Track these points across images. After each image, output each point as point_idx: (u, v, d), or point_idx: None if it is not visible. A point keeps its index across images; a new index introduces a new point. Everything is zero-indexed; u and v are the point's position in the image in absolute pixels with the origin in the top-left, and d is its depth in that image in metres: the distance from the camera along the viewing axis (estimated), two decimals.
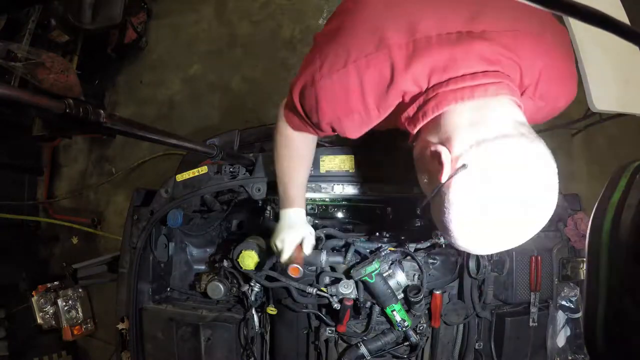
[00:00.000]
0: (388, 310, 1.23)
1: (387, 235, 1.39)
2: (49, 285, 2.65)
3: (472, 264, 1.31)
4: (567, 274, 1.34)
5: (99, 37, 3.03)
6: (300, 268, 1.08)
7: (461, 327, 1.41)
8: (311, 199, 1.52)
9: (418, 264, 1.27)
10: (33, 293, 2.62)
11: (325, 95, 0.81)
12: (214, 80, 3.25)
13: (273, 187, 1.32)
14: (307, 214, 1.59)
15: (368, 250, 1.31)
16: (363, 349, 1.28)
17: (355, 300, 1.25)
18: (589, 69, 2.11)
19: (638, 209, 0.43)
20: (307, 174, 1.09)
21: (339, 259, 1.28)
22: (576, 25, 2.14)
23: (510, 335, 1.35)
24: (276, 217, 1.44)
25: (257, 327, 1.39)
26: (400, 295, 1.26)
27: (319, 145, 1.47)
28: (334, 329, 1.30)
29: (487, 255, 1.30)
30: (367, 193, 1.34)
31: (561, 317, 1.38)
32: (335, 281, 1.28)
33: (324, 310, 1.33)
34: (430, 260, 1.33)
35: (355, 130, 0.86)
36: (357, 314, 1.31)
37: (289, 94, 0.90)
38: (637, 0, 2.26)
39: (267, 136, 1.71)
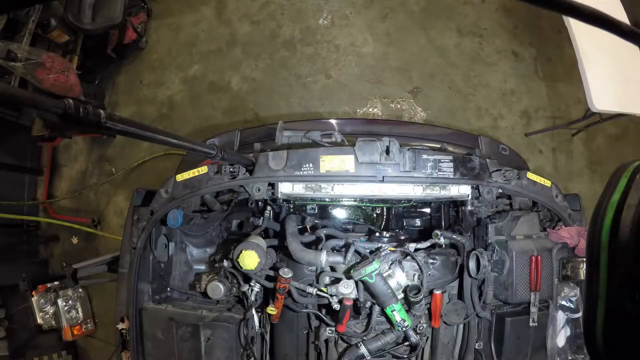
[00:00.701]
0: (388, 310, 1.23)
1: (387, 235, 1.39)
2: (49, 285, 2.65)
3: (472, 264, 1.31)
4: (567, 274, 1.34)
5: (99, 37, 3.03)
6: None
7: (461, 327, 1.41)
8: (311, 199, 1.52)
9: (418, 264, 1.27)
10: (33, 293, 2.62)
11: None
12: (214, 80, 3.25)
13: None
14: (308, 214, 1.60)
15: (368, 250, 1.32)
16: (363, 349, 1.28)
17: (355, 300, 1.25)
18: (589, 69, 2.12)
19: (638, 209, 0.43)
20: None
21: (339, 259, 1.28)
22: (576, 25, 2.14)
23: (510, 335, 1.35)
24: (276, 218, 1.45)
25: (257, 327, 1.39)
26: (400, 295, 1.26)
27: (319, 145, 1.48)
28: (334, 329, 1.30)
29: (487, 255, 1.30)
30: (367, 193, 1.34)
31: (561, 317, 1.38)
32: (335, 281, 1.28)
33: (324, 310, 1.33)
34: (430, 260, 1.33)
35: None
36: (357, 314, 1.31)
37: None
38: (637, 0, 2.26)
39: (267, 136, 1.71)
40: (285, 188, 1.32)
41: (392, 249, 1.30)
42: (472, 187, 1.37)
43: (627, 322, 0.44)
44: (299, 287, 1.29)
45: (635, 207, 0.43)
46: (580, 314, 1.35)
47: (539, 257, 1.31)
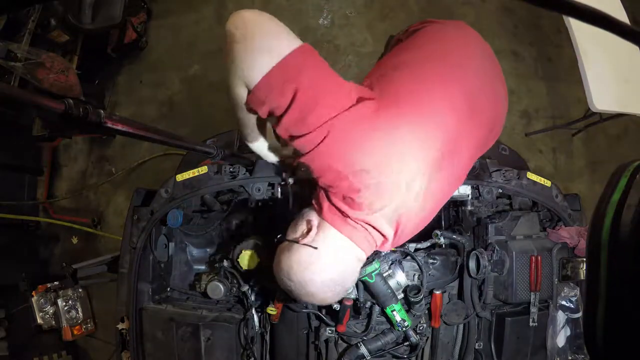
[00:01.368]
0: (388, 310, 1.23)
1: None
2: (49, 285, 2.65)
3: (472, 264, 1.31)
4: (567, 274, 1.34)
5: (99, 37, 3.03)
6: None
7: (461, 327, 1.41)
8: None
9: (418, 264, 1.27)
10: (33, 293, 2.62)
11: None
12: (214, 80, 3.25)
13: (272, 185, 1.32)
14: None
15: None
16: (363, 349, 1.28)
17: (355, 300, 1.25)
18: (589, 69, 2.12)
19: (638, 209, 0.43)
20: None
21: None
22: (576, 25, 2.14)
23: (510, 335, 1.35)
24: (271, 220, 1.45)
25: (257, 327, 1.39)
26: (400, 295, 1.26)
27: None
28: (334, 329, 1.30)
29: (487, 255, 1.30)
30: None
31: (561, 317, 1.38)
32: None
33: (323, 310, 1.33)
34: (430, 260, 1.33)
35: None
36: (357, 314, 1.31)
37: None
38: (637, 0, 2.26)
39: None
40: None
41: (393, 249, 1.30)
42: (472, 187, 1.37)
43: (627, 322, 0.44)
44: None
45: (635, 207, 0.43)
46: (580, 314, 1.35)
47: (539, 257, 1.31)
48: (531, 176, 1.39)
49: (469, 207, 1.42)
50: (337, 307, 1.25)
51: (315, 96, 0.78)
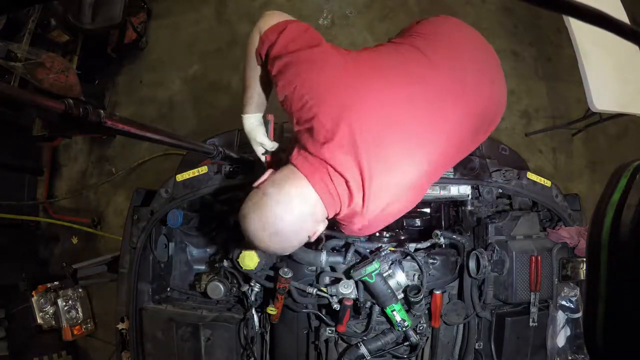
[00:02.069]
0: (388, 310, 1.23)
1: (387, 235, 1.39)
2: (49, 285, 2.65)
3: (472, 264, 1.31)
4: (567, 274, 1.34)
5: (99, 37, 3.03)
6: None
7: (461, 327, 1.41)
8: None
9: (418, 264, 1.27)
10: (33, 293, 2.62)
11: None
12: (214, 80, 3.25)
13: None
14: None
15: (368, 250, 1.32)
16: (363, 349, 1.28)
17: (355, 300, 1.25)
18: (589, 69, 2.12)
19: (638, 209, 0.43)
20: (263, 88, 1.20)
21: (339, 259, 1.28)
22: (576, 25, 2.14)
23: (510, 335, 1.35)
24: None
25: (257, 327, 1.39)
26: (400, 295, 1.26)
27: None
28: (334, 329, 1.30)
29: (487, 255, 1.30)
30: None
31: (561, 317, 1.38)
32: (335, 281, 1.28)
33: (324, 310, 1.33)
34: (430, 260, 1.33)
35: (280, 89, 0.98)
36: (357, 314, 1.31)
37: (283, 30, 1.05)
38: (637, 0, 2.26)
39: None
40: None
41: (392, 249, 1.30)
42: (472, 187, 1.37)
43: (627, 322, 0.44)
44: (299, 287, 1.29)
45: (635, 207, 0.43)
46: (580, 314, 1.35)
47: (539, 257, 1.31)
48: (531, 176, 1.39)
49: (469, 207, 1.42)
50: (337, 307, 1.25)
51: (298, 36, 1.02)
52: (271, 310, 1.31)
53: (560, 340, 1.38)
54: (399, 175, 0.93)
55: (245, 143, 1.78)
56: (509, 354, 1.37)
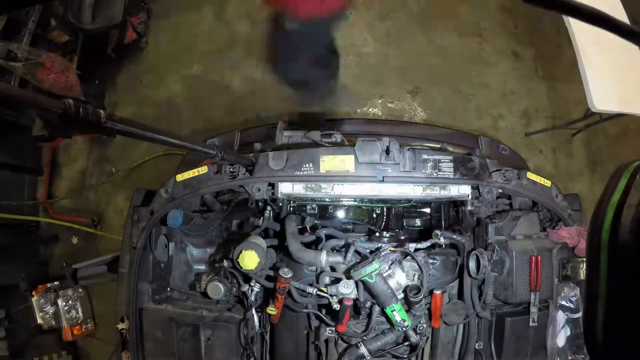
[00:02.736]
0: (388, 310, 1.23)
1: (387, 235, 1.39)
2: (49, 285, 2.65)
3: (472, 264, 1.31)
4: (567, 274, 1.34)
5: (99, 37, 3.03)
6: None
7: (461, 327, 1.41)
8: (311, 199, 1.52)
9: (418, 264, 1.27)
10: (33, 293, 2.62)
11: None
12: (214, 80, 3.25)
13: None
14: (308, 214, 1.60)
15: (368, 250, 1.32)
16: (363, 349, 1.28)
17: (355, 300, 1.25)
18: (589, 69, 2.12)
19: (638, 209, 0.43)
20: None
21: (339, 259, 1.28)
22: (576, 25, 2.14)
23: (510, 335, 1.35)
24: (276, 218, 1.44)
25: (257, 327, 1.39)
26: (400, 295, 1.26)
27: (319, 145, 1.48)
28: (334, 329, 1.30)
29: (487, 255, 1.30)
30: (367, 193, 1.34)
31: (561, 317, 1.38)
32: (335, 281, 1.28)
33: (324, 310, 1.33)
34: (430, 260, 1.33)
35: None
36: (357, 314, 1.31)
37: None
38: (637, 0, 2.26)
39: (267, 136, 1.71)
40: (285, 188, 1.32)
41: (392, 249, 1.30)
42: (472, 187, 1.37)
43: (627, 322, 0.44)
44: (299, 287, 1.29)
45: (635, 207, 0.43)
46: (580, 314, 1.35)
47: (539, 257, 1.31)
48: (531, 176, 1.39)
49: (469, 207, 1.42)
50: (337, 307, 1.25)
51: None
52: (271, 310, 1.31)
53: (560, 340, 1.38)
54: None
55: (245, 143, 1.79)
56: (509, 354, 1.37)
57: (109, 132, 0.71)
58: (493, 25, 3.27)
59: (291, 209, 1.69)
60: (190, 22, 3.41)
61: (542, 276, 1.32)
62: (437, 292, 1.29)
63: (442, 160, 1.31)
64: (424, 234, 1.43)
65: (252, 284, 1.34)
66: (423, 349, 1.37)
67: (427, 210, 1.80)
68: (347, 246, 1.30)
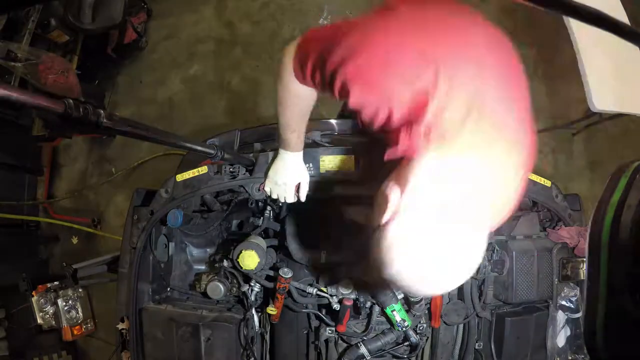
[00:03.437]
0: (388, 310, 1.23)
1: None
2: (49, 285, 2.65)
3: None
4: (567, 274, 1.34)
5: (99, 37, 3.03)
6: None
7: (461, 327, 1.41)
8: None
9: None
10: (33, 293, 2.61)
11: (369, 54, 0.71)
12: (214, 80, 3.25)
13: None
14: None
15: None
16: (363, 349, 1.28)
17: (355, 300, 1.25)
18: (589, 69, 2.11)
19: (638, 209, 0.43)
20: (306, 121, 1.09)
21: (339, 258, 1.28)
22: (576, 25, 2.14)
23: (510, 335, 1.35)
24: (276, 218, 1.44)
25: (257, 327, 1.39)
26: (400, 295, 1.26)
27: (319, 145, 1.47)
28: (334, 329, 1.30)
29: (487, 255, 1.30)
30: (367, 193, 1.33)
31: (561, 317, 1.38)
32: (336, 281, 1.28)
33: (324, 310, 1.33)
34: None
35: (355, 102, 0.75)
36: (357, 314, 1.31)
37: (311, 41, 0.82)
38: (637, 0, 2.26)
39: (267, 136, 1.71)
40: None
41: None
42: None
43: (627, 322, 0.44)
44: (299, 287, 1.29)
45: (635, 207, 0.43)
46: (580, 314, 1.35)
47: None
48: (531, 176, 1.39)
49: None
50: (337, 307, 1.25)
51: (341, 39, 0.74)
52: (271, 310, 1.31)
53: (560, 340, 1.38)
54: None
55: (245, 143, 1.78)
56: (509, 354, 1.37)
57: (109, 132, 0.71)
58: (493, 25, 3.27)
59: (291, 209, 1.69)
60: (190, 22, 3.41)
61: (541, 278, 1.32)
62: None
63: None
64: None
65: (252, 284, 1.34)
66: (423, 349, 1.37)
67: None
68: None
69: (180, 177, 1.39)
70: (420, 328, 1.33)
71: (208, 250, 1.62)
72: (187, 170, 1.39)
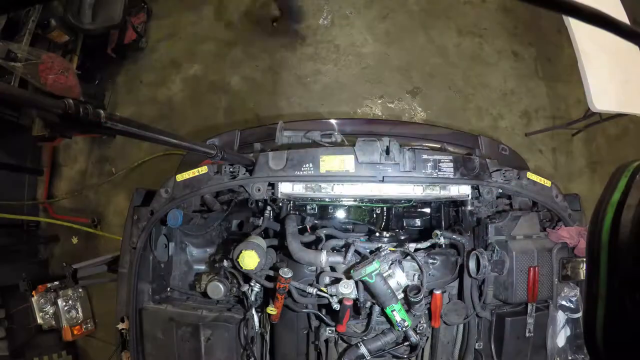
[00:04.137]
0: (388, 310, 1.23)
1: (387, 235, 1.39)
2: (49, 285, 2.65)
3: (472, 264, 1.31)
4: (567, 274, 1.34)
5: (99, 37, 3.03)
6: None
7: (461, 327, 1.41)
8: (311, 199, 1.52)
9: (418, 264, 1.27)
10: (33, 293, 2.62)
11: None
12: (214, 80, 3.25)
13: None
14: (308, 214, 1.60)
15: (368, 250, 1.32)
16: (363, 349, 1.28)
17: (355, 300, 1.25)
18: (589, 69, 2.12)
19: (638, 209, 0.43)
20: None
21: (339, 259, 1.28)
22: (576, 25, 2.14)
23: (510, 335, 1.35)
24: (276, 218, 1.44)
25: (257, 327, 1.39)
26: (400, 295, 1.26)
27: (319, 145, 1.48)
28: (334, 329, 1.30)
29: (487, 255, 1.30)
30: (367, 193, 1.34)
31: (561, 317, 1.38)
32: (335, 281, 1.28)
33: (324, 310, 1.33)
34: (430, 260, 1.33)
35: None
36: (357, 314, 1.31)
37: None
38: (637, 0, 2.26)
39: (267, 136, 1.71)
40: (285, 188, 1.32)
41: (392, 249, 1.30)
42: (472, 187, 1.37)
43: (627, 322, 0.44)
44: (299, 287, 1.29)
45: (635, 207, 0.43)
46: (580, 314, 1.35)
47: (537, 268, 1.30)
48: (531, 176, 1.39)
49: (469, 207, 1.42)
50: (337, 307, 1.25)
51: None
52: (271, 310, 1.31)
53: (560, 340, 1.38)
54: None
55: (245, 143, 1.78)
56: (509, 354, 1.37)
57: (109, 132, 0.71)
58: (493, 25, 3.27)
59: (291, 209, 1.69)
60: (190, 22, 3.41)
61: (541, 279, 1.32)
62: (437, 292, 1.29)
63: (442, 160, 1.31)
64: (424, 234, 1.43)
65: (252, 284, 1.34)
66: (423, 349, 1.37)
67: (427, 210, 1.80)
68: (347, 246, 1.30)
69: (180, 177, 1.39)
70: (420, 328, 1.33)
71: (208, 250, 1.62)
72: (187, 170, 1.39)
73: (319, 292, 1.27)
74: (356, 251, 1.30)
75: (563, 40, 3.03)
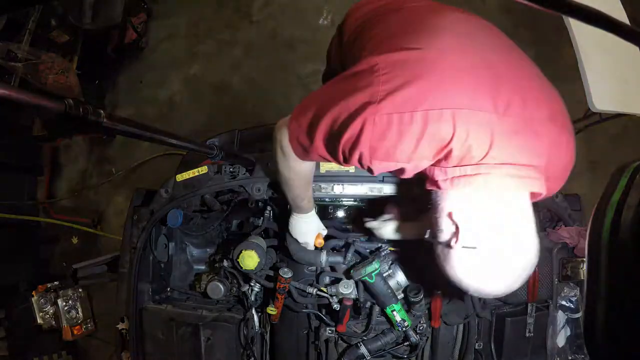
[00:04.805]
0: (388, 310, 1.23)
1: None
2: (49, 285, 2.65)
3: None
4: (567, 274, 1.34)
5: (99, 37, 3.03)
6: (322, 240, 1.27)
7: (461, 327, 1.41)
8: None
9: None
10: (33, 293, 2.62)
11: (374, 133, 0.73)
12: (214, 80, 3.25)
13: (274, 187, 1.32)
14: None
15: (368, 250, 1.32)
16: (363, 349, 1.28)
17: (355, 300, 1.25)
18: (589, 69, 2.12)
19: (638, 209, 0.43)
20: (311, 183, 1.13)
21: (339, 259, 1.28)
22: (576, 25, 2.14)
23: (510, 335, 1.35)
24: (275, 217, 1.44)
25: (257, 327, 1.39)
26: (400, 295, 1.26)
27: None
28: (334, 329, 1.30)
29: None
30: (367, 193, 1.34)
31: (561, 317, 1.38)
32: (335, 281, 1.28)
33: (324, 310, 1.33)
34: None
35: (380, 171, 0.82)
36: (357, 314, 1.31)
37: (308, 117, 0.82)
38: (637, 0, 2.26)
39: (267, 136, 1.70)
40: None
41: (392, 249, 1.30)
42: None
43: (627, 322, 0.44)
44: (299, 287, 1.29)
45: (635, 207, 0.43)
46: (580, 314, 1.35)
47: (536, 268, 1.30)
48: None
49: None
50: (337, 307, 1.25)
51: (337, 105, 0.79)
52: (271, 310, 1.31)
53: (560, 340, 1.38)
54: None
55: (245, 143, 1.78)
56: (509, 354, 1.37)
57: (109, 132, 0.71)
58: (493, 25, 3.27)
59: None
60: (190, 22, 3.41)
61: (540, 279, 1.32)
62: (437, 292, 1.29)
63: None
64: None
65: (252, 284, 1.34)
66: (423, 349, 1.37)
67: None
68: (347, 246, 1.30)
69: (180, 177, 1.39)
70: (420, 328, 1.33)
71: (208, 250, 1.62)
72: (187, 170, 1.39)
73: (319, 292, 1.27)
74: (356, 251, 1.30)
75: (563, 40, 3.02)
